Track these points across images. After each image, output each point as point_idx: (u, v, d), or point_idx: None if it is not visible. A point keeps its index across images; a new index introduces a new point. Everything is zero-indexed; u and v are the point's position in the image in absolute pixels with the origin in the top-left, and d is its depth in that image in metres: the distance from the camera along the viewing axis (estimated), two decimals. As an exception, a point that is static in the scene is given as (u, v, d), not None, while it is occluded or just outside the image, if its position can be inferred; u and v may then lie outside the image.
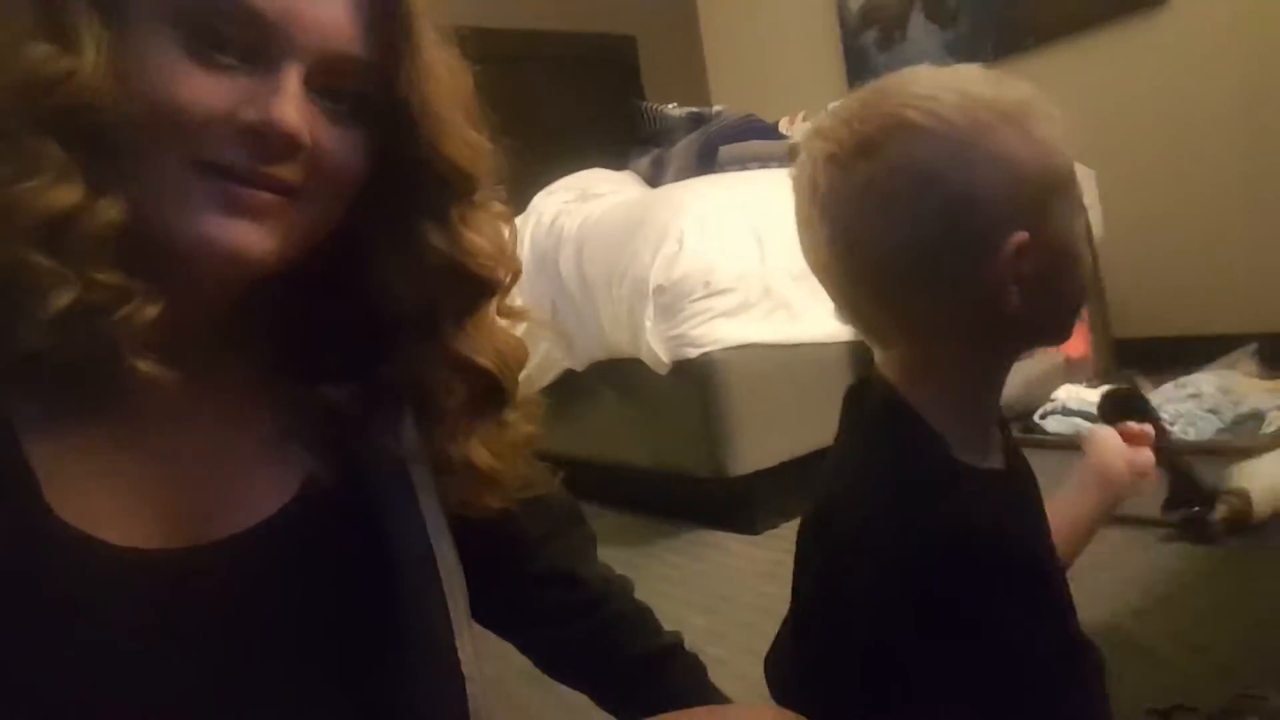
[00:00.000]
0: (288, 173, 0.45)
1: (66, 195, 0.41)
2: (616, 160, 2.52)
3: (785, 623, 0.64)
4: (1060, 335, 0.58)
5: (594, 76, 3.87)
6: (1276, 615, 1.10)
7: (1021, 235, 0.50)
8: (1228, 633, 1.06)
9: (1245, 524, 1.32)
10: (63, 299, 0.40)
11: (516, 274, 0.56)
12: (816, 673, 0.55)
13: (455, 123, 0.50)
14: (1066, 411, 1.84)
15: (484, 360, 0.54)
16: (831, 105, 0.60)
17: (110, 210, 0.42)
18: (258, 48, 0.44)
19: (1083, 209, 0.57)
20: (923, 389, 0.54)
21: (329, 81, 0.46)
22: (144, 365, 0.43)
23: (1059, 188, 0.53)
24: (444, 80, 0.49)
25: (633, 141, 2.50)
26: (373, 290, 0.52)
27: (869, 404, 0.57)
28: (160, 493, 0.48)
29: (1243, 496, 1.34)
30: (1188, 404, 1.68)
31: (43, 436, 0.44)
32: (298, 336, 0.54)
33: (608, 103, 3.64)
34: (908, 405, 0.54)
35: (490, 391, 0.55)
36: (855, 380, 0.61)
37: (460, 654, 0.55)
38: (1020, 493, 0.59)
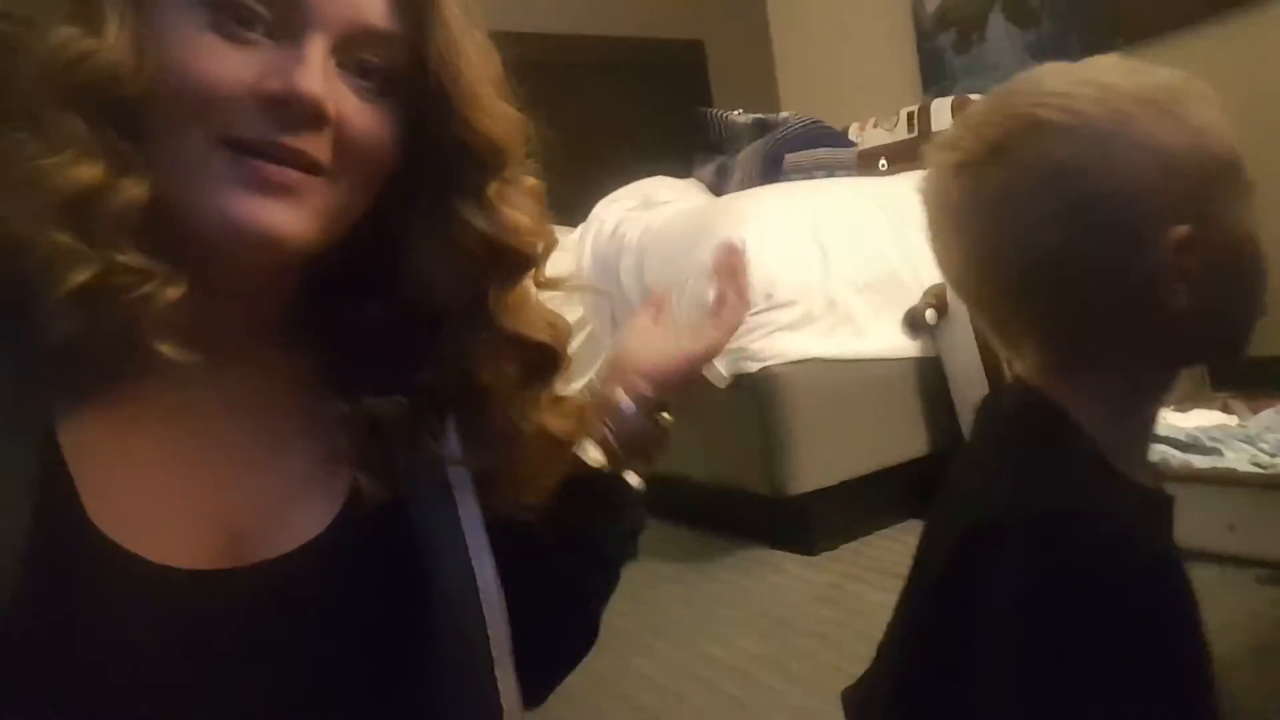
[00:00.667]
0: (314, 148, 0.44)
1: (88, 172, 0.41)
2: (681, 167, 2.50)
3: (879, 654, 0.59)
4: (1233, 349, 0.54)
5: (661, 83, 3.85)
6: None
7: (1182, 229, 0.47)
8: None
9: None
10: (81, 275, 0.40)
11: (552, 246, 0.55)
12: (934, 693, 0.50)
13: (487, 97, 0.49)
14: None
15: (536, 334, 0.54)
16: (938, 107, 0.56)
17: (134, 189, 0.41)
18: (282, 19, 0.43)
19: (1252, 200, 0.52)
20: (1072, 395, 0.51)
21: (356, 55, 0.45)
22: (165, 347, 0.42)
23: (1222, 176, 0.49)
24: (472, 56, 0.48)
25: (698, 148, 2.47)
26: (412, 285, 0.51)
27: (1013, 410, 0.55)
28: (201, 510, 0.47)
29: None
30: (1289, 433, 1.55)
31: (83, 445, 0.44)
32: (339, 347, 0.53)
33: (674, 109, 3.62)
34: (1058, 409, 0.51)
35: (546, 362, 0.55)
36: (993, 390, 0.58)
37: (500, 684, 0.53)
38: (1167, 515, 0.54)
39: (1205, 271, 0.48)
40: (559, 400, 0.58)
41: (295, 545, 0.49)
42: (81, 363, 0.42)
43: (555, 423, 0.56)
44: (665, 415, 0.67)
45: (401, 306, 0.52)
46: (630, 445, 0.64)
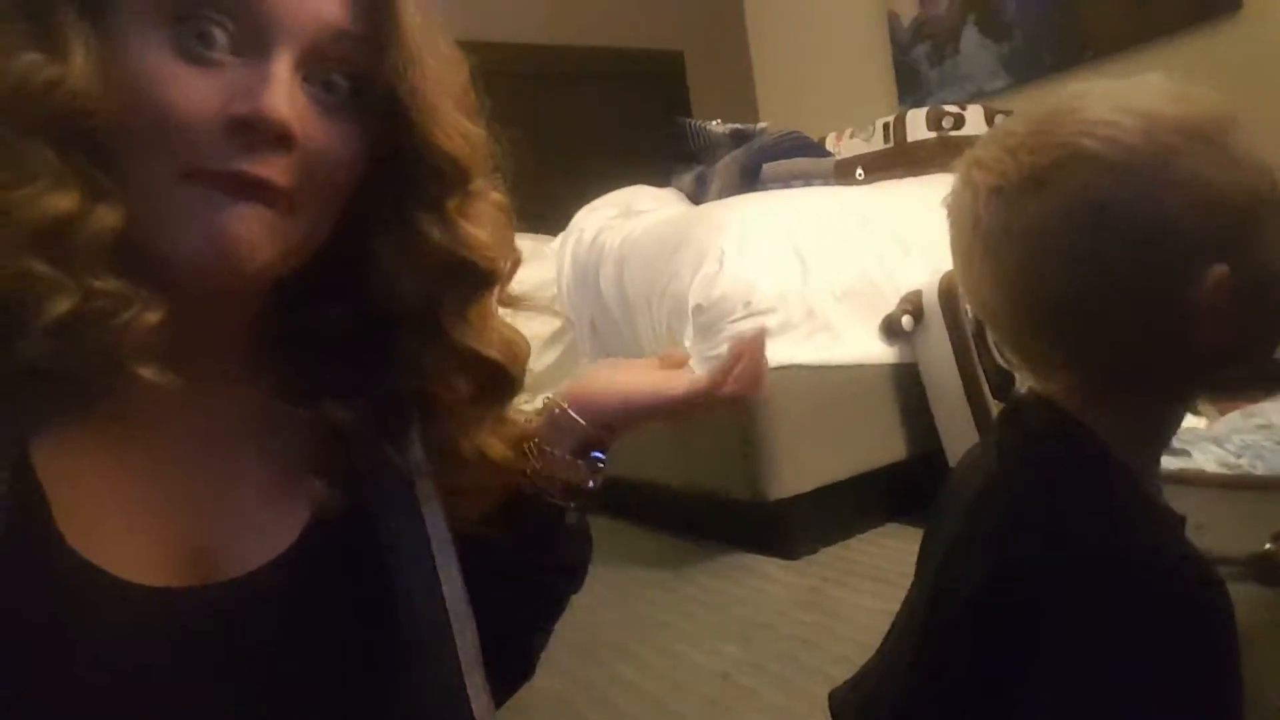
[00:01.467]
0: (278, 172, 0.43)
1: (62, 201, 0.40)
2: (660, 177, 2.51)
3: (880, 655, 0.59)
4: (1269, 381, 0.54)
5: (641, 93, 3.88)
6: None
7: (1220, 269, 0.46)
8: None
9: (1319, 565, 1.25)
10: (61, 306, 0.40)
11: (516, 263, 0.54)
12: (941, 708, 0.50)
13: (445, 111, 0.48)
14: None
15: (491, 351, 0.53)
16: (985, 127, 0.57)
17: (108, 216, 0.41)
18: (247, 34, 0.43)
19: None
20: (1098, 417, 0.51)
21: (321, 68, 0.45)
22: (147, 371, 0.42)
23: (1263, 209, 0.48)
24: (431, 67, 0.47)
25: (676, 158, 2.49)
26: (373, 292, 0.51)
27: (1041, 431, 0.53)
28: (169, 527, 0.47)
29: (1316, 536, 1.26)
30: (1256, 435, 1.58)
31: (55, 463, 0.44)
32: (301, 354, 0.53)
33: (653, 119, 3.64)
34: (1088, 432, 0.50)
35: (498, 382, 0.54)
36: (1011, 404, 0.57)
37: (469, 693, 0.54)
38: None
39: (1242, 309, 0.47)
40: (502, 423, 0.56)
41: (263, 561, 0.49)
42: (53, 385, 0.42)
43: (495, 446, 0.55)
44: (598, 456, 0.60)
45: (363, 312, 0.52)
46: (555, 478, 0.59)
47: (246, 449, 0.51)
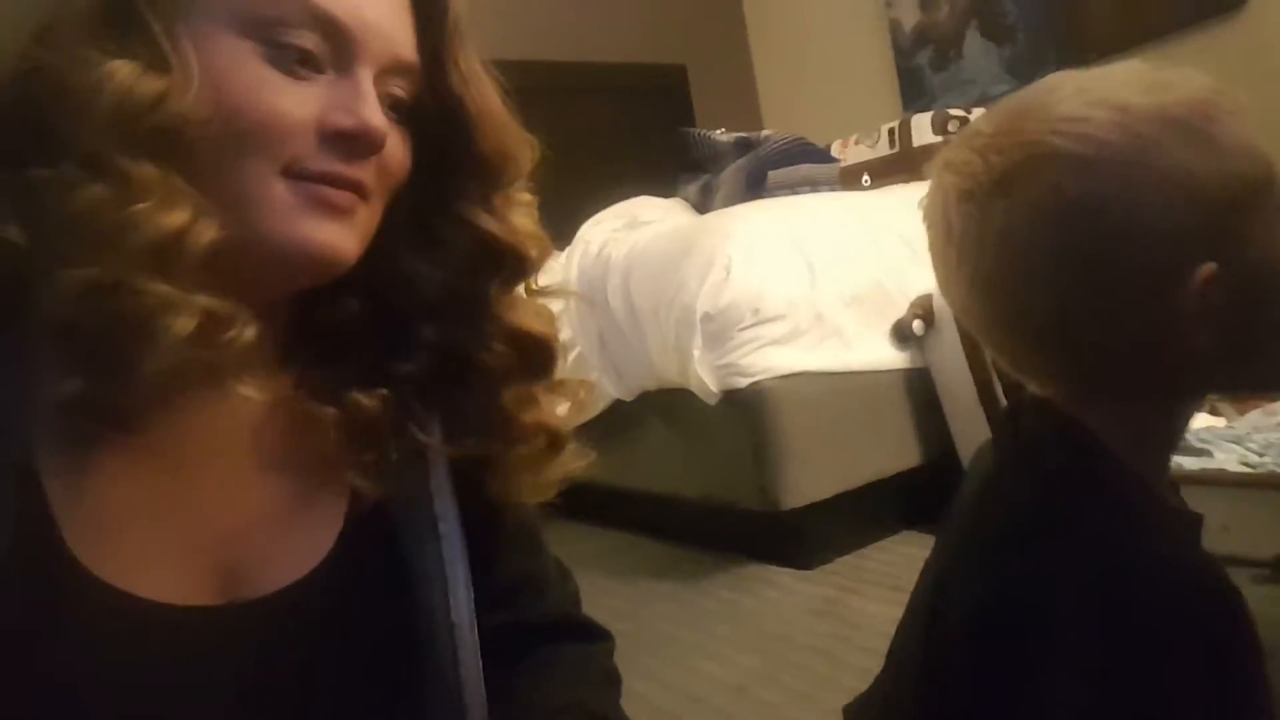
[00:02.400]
0: (365, 174, 0.47)
1: (176, 217, 0.40)
2: (665, 187, 2.52)
3: (886, 667, 0.57)
4: (1273, 381, 0.51)
5: (645, 107, 3.89)
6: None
7: (1209, 267, 0.44)
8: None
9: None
10: (187, 323, 0.40)
11: (546, 253, 0.58)
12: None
13: (501, 114, 0.52)
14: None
15: (536, 327, 0.56)
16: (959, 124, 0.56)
17: (210, 230, 0.42)
18: (332, 54, 0.45)
19: None
20: (1098, 420, 0.48)
21: (386, 87, 0.48)
22: (248, 389, 0.44)
23: (1253, 198, 0.45)
24: (485, 78, 0.52)
25: (681, 168, 2.49)
26: (394, 283, 0.53)
27: (1042, 436, 0.51)
28: (193, 545, 0.47)
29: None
30: (1278, 433, 1.56)
31: (68, 481, 0.43)
32: (318, 348, 0.53)
33: (658, 131, 3.65)
34: (1090, 435, 0.48)
35: (543, 354, 0.57)
36: (1011, 406, 0.55)
37: (465, 698, 0.53)
38: (1199, 534, 0.51)
39: (1234, 306, 0.44)
40: (555, 386, 0.59)
41: (290, 579, 0.49)
42: (68, 400, 0.41)
43: (550, 413, 0.57)
44: None
45: (379, 302, 0.53)
46: None
47: (272, 456, 0.51)
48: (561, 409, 0.58)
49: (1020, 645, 0.44)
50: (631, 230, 2.14)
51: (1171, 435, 0.51)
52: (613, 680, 0.62)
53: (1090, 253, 0.45)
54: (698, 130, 2.49)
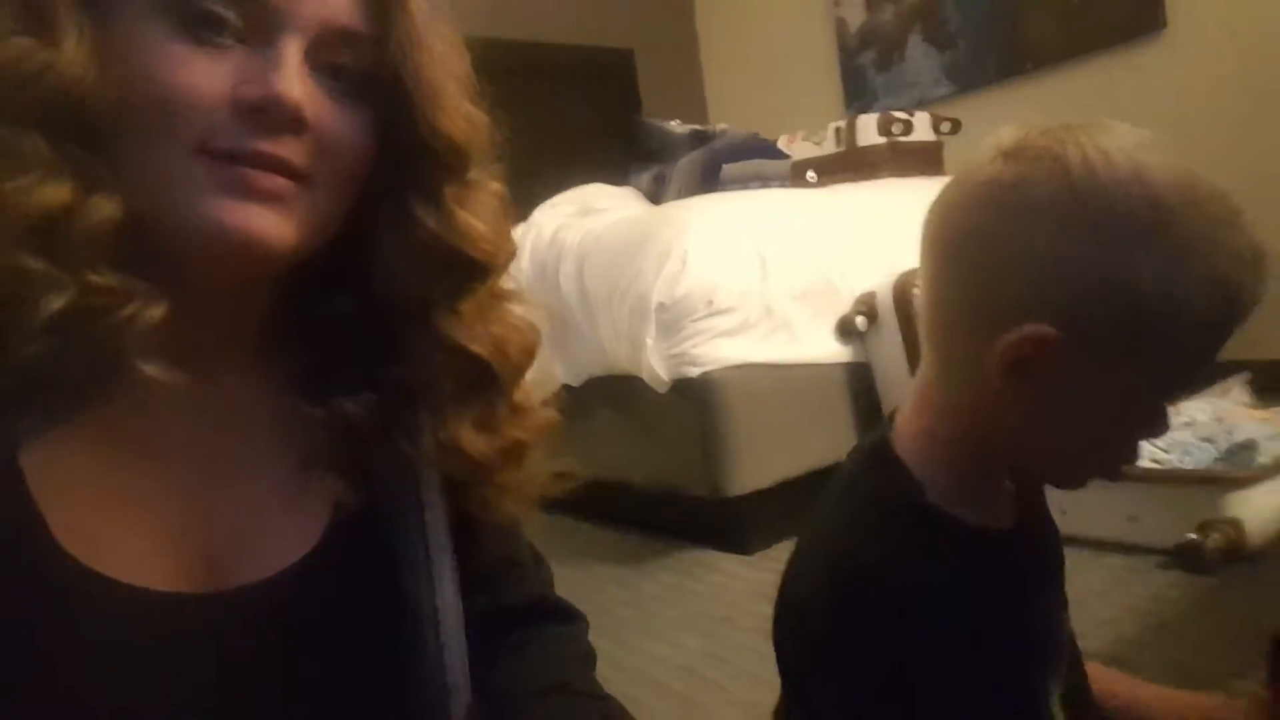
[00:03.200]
0: (293, 154, 0.43)
1: (55, 193, 0.39)
2: (617, 175, 2.52)
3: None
4: (1055, 478, 0.54)
5: (591, 89, 3.87)
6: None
7: (1042, 328, 0.45)
8: (1224, 665, 1.07)
9: (1239, 554, 1.34)
10: (57, 301, 0.38)
11: (511, 255, 0.54)
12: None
13: (450, 95, 0.47)
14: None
15: (476, 346, 0.51)
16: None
17: (105, 207, 0.40)
18: (255, 23, 0.42)
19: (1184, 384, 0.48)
20: (921, 432, 0.53)
21: (329, 57, 0.44)
22: (151, 369, 0.41)
23: (1146, 324, 0.45)
24: (437, 51, 0.47)
25: (633, 157, 2.50)
26: (376, 283, 0.50)
27: (864, 451, 0.57)
28: (176, 532, 0.46)
29: (1236, 526, 1.35)
30: (1183, 432, 1.68)
31: (49, 468, 0.43)
32: (309, 348, 0.52)
33: (606, 116, 3.64)
34: (890, 446, 0.53)
35: (481, 379, 0.52)
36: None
37: (451, 707, 0.54)
38: (1015, 559, 0.54)
39: (1049, 389, 0.47)
40: (488, 418, 0.54)
41: (282, 565, 0.49)
42: (47, 385, 0.41)
43: (473, 441, 0.52)
44: None
45: (368, 304, 0.51)
46: None
47: (259, 448, 0.50)
48: (524, 432, 0.55)
49: (799, 641, 0.55)
50: (584, 217, 2.15)
51: (989, 458, 0.53)
52: (590, 660, 0.63)
53: (982, 270, 0.49)
54: (653, 120, 2.50)
